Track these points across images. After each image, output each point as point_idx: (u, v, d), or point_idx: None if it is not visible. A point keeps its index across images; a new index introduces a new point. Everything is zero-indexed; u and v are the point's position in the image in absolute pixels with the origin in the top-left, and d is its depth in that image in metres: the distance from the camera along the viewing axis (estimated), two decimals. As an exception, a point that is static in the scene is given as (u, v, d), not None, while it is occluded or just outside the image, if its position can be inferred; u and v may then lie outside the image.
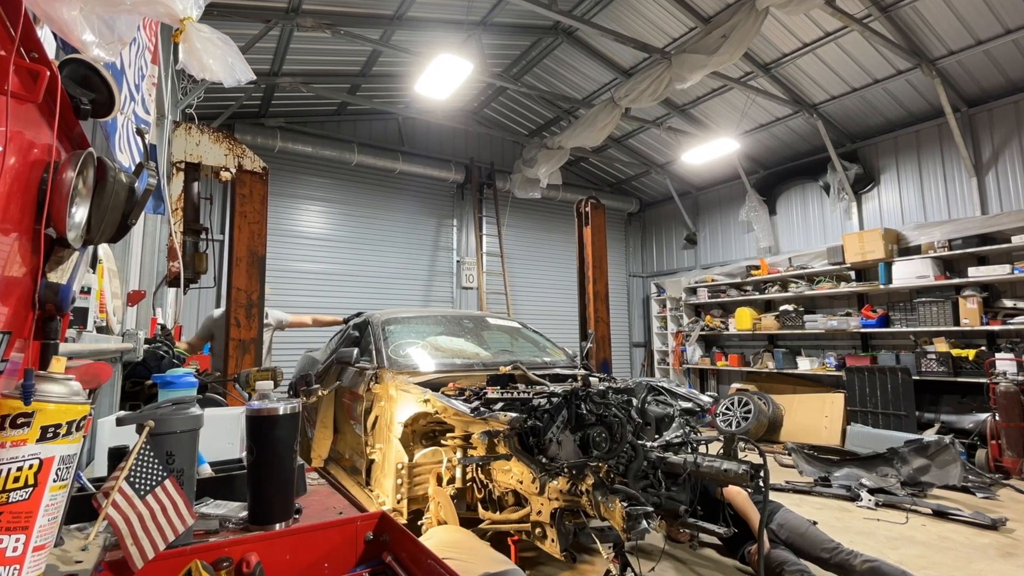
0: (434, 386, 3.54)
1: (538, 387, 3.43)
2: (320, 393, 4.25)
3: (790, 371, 8.96)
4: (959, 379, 6.81)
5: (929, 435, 6.13)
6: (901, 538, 4.17)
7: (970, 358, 6.72)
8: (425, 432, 3.59)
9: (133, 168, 1.89)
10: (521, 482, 2.83)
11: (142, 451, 1.13)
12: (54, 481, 0.86)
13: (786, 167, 9.86)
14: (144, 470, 1.11)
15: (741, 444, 2.71)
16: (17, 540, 0.82)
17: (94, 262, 2.14)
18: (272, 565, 1.17)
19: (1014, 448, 5.75)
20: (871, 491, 5.06)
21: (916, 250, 7.58)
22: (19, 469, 0.82)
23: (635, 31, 7.57)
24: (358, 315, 5.37)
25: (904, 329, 7.57)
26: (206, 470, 1.60)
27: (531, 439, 2.80)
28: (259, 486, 1.39)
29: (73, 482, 0.94)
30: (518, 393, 3.19)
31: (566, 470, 2.65)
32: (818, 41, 7.15)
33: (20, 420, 0.82)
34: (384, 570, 1.24)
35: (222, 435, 1.87)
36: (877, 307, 7.98)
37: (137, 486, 1.09)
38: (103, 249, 2.34)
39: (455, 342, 4.66)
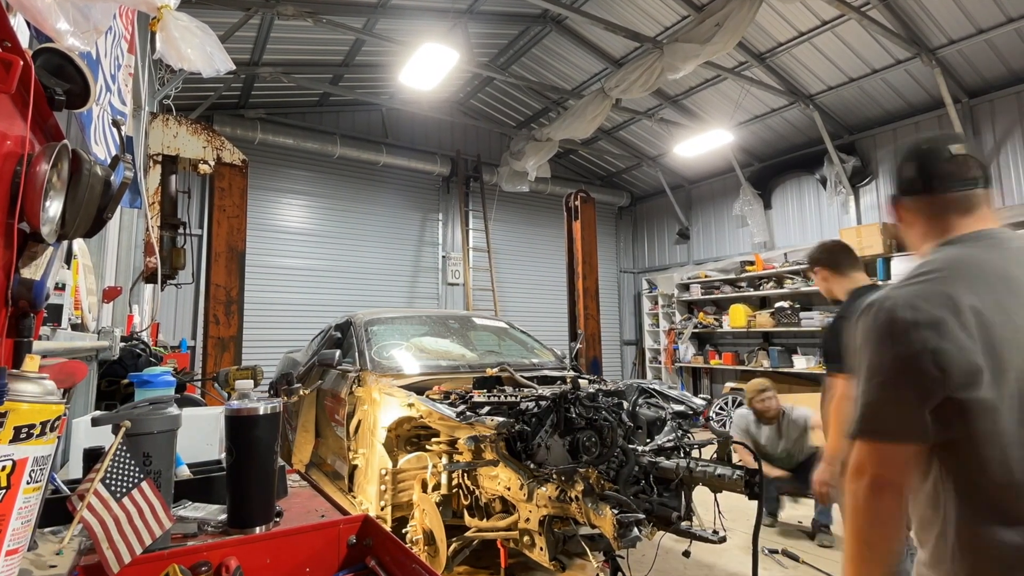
0: (419, 389, 3.49)
1: (526, 390, 3.37)
2: (302, 392, 4.21)
3: (786, 370, 8.78)
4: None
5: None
6: (902, 540, 4.15)
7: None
8: (410, 437, 3.52)
9: (109, 161, 1.85)
10: (509, 488, 2.79)
11: (118, 452, 1.11)
12: (27, 483, 0.84)
13: (781, 160, 9.75)
14: (120, 472, 1.09)
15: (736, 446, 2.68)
16: (-12, 545, 0.80)
17: (69, 257, 2.11)
18: (252, 569, 1.16)
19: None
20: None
21: (916, 245, 7.54)
22: (-10, 471, 0.80)
23: (626, 19, 7.50)
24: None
25: (904, 327, 7.53)
26: (184, 472, 1.57)
27: (519, 444, 2.76)
28: (239, 488, 1.37)
29: (47, 484, 0.92)
30: (505, 396, 3.14)
31: (555, 476, 2.61)
32: (815, 30, 7.06)
33: (-8, 421, 0.80)
34: (367, 574, 1.23)
35: (201, 436, 1.84)
36: (875, 304, 7.95)
37: (113, 488, 1.07)
38: (78, 244, 2.31)
39: (440, 343, 4.59)
